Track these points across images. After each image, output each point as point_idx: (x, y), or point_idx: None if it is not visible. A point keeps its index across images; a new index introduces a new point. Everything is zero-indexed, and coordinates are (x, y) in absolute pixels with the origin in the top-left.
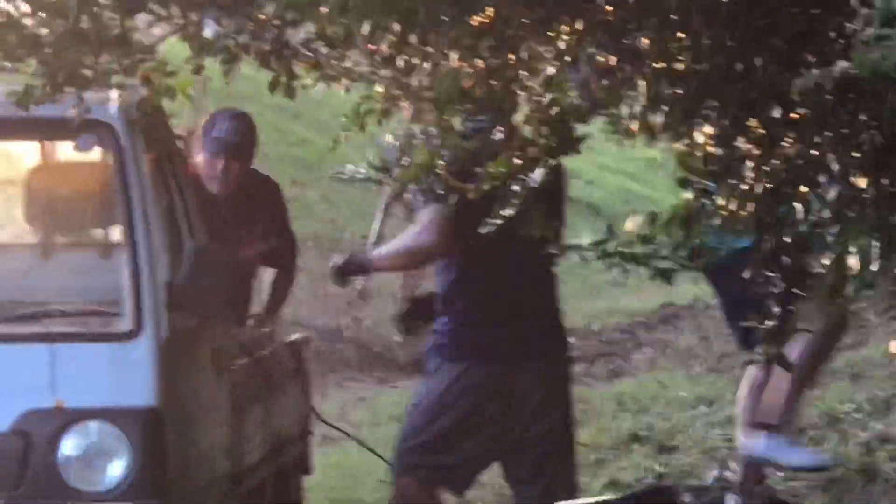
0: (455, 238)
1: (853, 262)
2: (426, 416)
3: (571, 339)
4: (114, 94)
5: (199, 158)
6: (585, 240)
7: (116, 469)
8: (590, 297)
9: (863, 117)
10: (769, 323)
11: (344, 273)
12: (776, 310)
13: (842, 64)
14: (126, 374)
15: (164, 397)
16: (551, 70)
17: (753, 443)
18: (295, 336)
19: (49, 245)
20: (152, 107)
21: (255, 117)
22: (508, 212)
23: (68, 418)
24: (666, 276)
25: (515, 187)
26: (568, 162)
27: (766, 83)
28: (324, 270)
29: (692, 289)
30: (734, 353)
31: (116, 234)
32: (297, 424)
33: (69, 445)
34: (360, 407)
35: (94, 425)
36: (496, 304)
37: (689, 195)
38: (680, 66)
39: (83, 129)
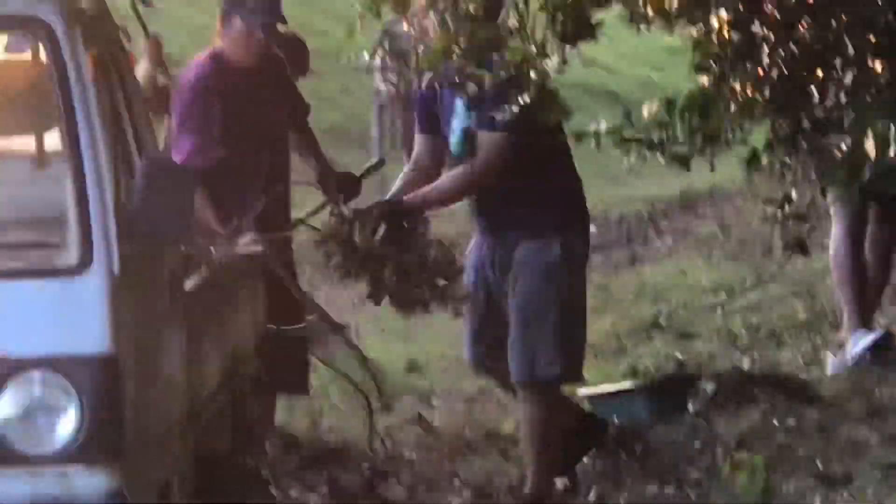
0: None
1: (870, 146)
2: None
3: (591, 227)
4: None
5: (230, 32)
6: (602, 126)
7: (65, 427)
8: (609, 184)
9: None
10: (788, 207)
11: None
12: (793, 195)
13: None
14: (73, 315)
15: (117, 341)
16: None
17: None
18: (251, 248)
19: None
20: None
21: None
22: (525, 98)
23: (6, 368)
24: (683, 161)
25: (532, 74)
26: (587, 50)
27: None
28: (343, 162)
29: (711, 176)
30: (754, 240)
31: (52, 141)
32: (253, 340)
33: (8, 401)
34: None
35: (37, 376)
36: None
37: (705, 80)
38: None
39: (15, 26)
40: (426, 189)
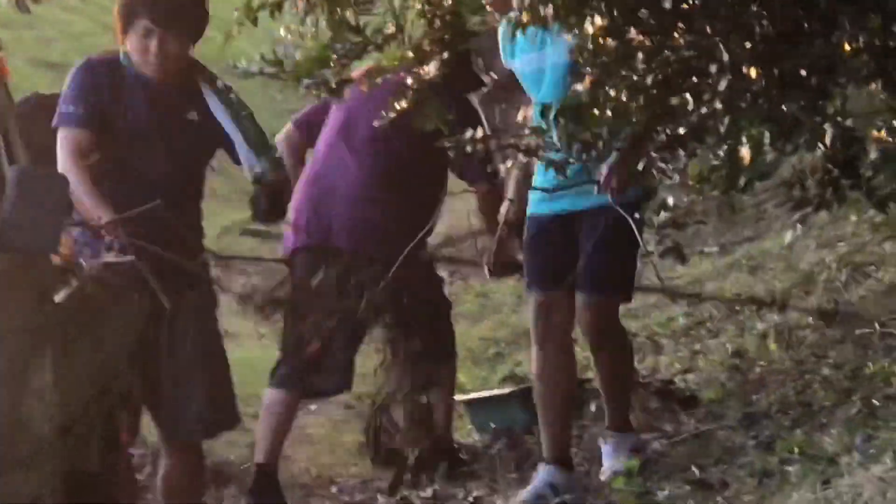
0: None
1: (746, 152)
2: None
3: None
4: None
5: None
6: (479, 133)
7: None
8: None
9: (753, 7)
10: (664, 214)
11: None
12: (670, 201)
13: None
14: None
15: None
16: None
17: None
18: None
19: None
20: None
21: None
22: (403, 104)
23: None
24: (559, 167)
25: (409, 80)
26: None
27: None
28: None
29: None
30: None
31: None
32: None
33: None
34: None
35: None
36: None
37: (581, 87)
38: None
39: None
40: None
